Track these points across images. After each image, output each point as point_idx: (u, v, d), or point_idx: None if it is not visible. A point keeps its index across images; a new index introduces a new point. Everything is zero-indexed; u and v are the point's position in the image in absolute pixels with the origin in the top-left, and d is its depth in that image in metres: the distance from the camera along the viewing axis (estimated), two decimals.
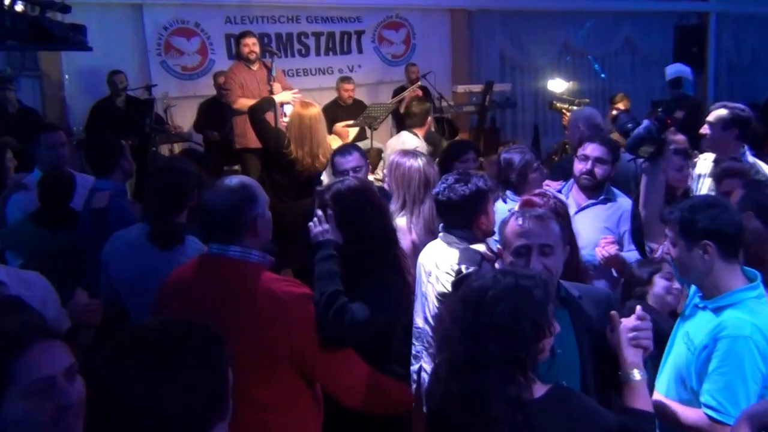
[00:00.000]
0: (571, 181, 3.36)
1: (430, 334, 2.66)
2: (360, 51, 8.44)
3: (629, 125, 2.71)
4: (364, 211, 2.21)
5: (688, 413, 1.95)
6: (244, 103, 5.40)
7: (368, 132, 6.26)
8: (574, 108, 6.25)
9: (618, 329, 1.78)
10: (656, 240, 2.87)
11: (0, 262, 2.91)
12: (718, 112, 3.63)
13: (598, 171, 3.20)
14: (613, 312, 1.83)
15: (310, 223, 2.16)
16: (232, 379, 1.28)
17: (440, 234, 2.68)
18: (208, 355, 1.25)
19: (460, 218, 2.61)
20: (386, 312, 2.09)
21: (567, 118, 5.94)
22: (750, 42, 11.54)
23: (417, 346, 2.75)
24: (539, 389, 1.54)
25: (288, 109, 4.65)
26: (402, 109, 6.20)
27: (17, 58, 6.17)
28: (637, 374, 1.71)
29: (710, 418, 1.87)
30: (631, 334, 1.75)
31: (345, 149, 3.55)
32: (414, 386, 2.72)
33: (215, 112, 6.70)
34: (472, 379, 1.49)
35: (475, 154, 3.86)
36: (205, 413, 1.22)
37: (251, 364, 1.81)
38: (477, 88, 8.11)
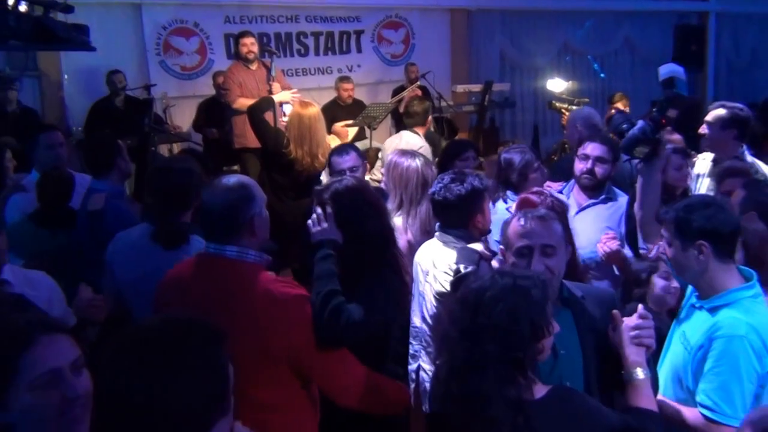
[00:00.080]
0: (572, 181, 3.36)
1: (428, 333, 2.66)
2: (359, 51, 8.44)
3: (624, 126, 2.71)
4: (361, 210, 2.21)
5: (684, 412, 1.96)
6: (244, 102, 5.40)
7: (367, 132, 6.26)
8: (574, 108, 6.27)
9: (620, 328, 1.78)
10: (653, 240, 2.87)
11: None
12: (716, 112, 3.62)
13: (599, 170, 3.19)
14: (614, 311, 1.83)
15: (309, 222, 2.16)
16: (233, 376, 1.29)
17: (436, 233, 2.69)
18: (209, 353, 1.26)
19: (457, 218, 2.62)
20: (384, 312, 2.10)
21: (566, 117, 5.95)
22: (749, 41, 11.55)
23: (415, 346, 2.75)
24: (540, 390, 1.54)
25: (287, 109, 4.65)
26: (401, 109, 6.20)
27: (17, 58, 6.17)
28: (640, 373, 1.71)
29: (706, 417, 1.88)
30: (633, 333, 1.75)
31: (342, 149, 3.55)
32: (413, 385, 2.73)
33: (214, 112, 6.71)
34: (471, 380, 1.49)
35: (474, 152, 3.86)
36: (205, 411, 1.23)
37: (248, 364, 1.81)
38: (476, 87, 8.11)
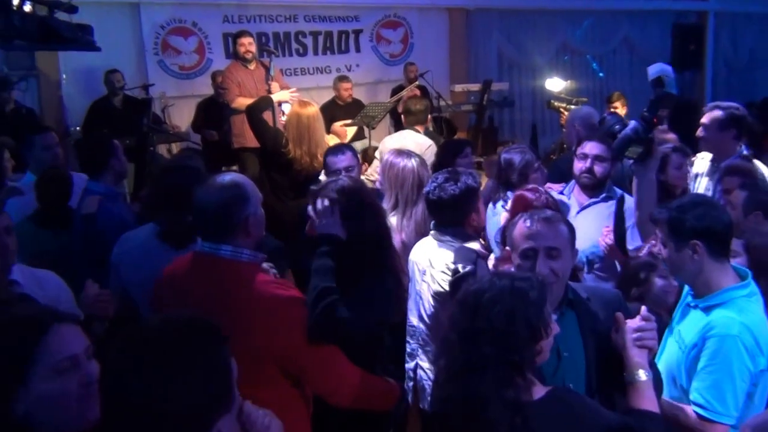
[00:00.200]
0: (573, 182, 3.36)
1: (425, 331, 2.67)
2: (358, 50, 8.45)
3: (616, 127, 2.71)
4: (361, 210, 2.20)
5: (678, 411, 1.97)
6: (242, 102, 5.39)
7: (366, 131, 6.26)
8: (572, 107, 6.25)
9: (623, 330, 1.78)
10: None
11: None
12: (712, 114, 3.60)
13: (598, 169, 3.20)
14: (618, 313, 1.83)
15: (312, 213, 2.14)
16: (235, 372, 1.30)
17: (432, 232, 2.69)
18: (209, 352, 1.27)
19: (452, 217, 2.61)
20: (379, 311, 2.10)
21: (565, 117, 5.94)
22: (748, 41, 11.56)
23: (412, 344, 2.76)
24: (539, 391, 1.54)
25: (286, 109, 4.65)
26: (400, 108, 6.19)
27: (16, 57, 6.16)
28: (642, 375, 1.71)
29: (698, 415, 1.90)
30: (635, 335, 1.75)
31: (338, 149, 3.54)
32: (410, 384, 2.73)
33: (213, 112, 6.70)
34: (470, 382, 1.49)
35: (470, 150, 3.87)
36: (206, 411, 1.24)
37: (242, 363, 1.81)
38: (475, 87, 8.11)
